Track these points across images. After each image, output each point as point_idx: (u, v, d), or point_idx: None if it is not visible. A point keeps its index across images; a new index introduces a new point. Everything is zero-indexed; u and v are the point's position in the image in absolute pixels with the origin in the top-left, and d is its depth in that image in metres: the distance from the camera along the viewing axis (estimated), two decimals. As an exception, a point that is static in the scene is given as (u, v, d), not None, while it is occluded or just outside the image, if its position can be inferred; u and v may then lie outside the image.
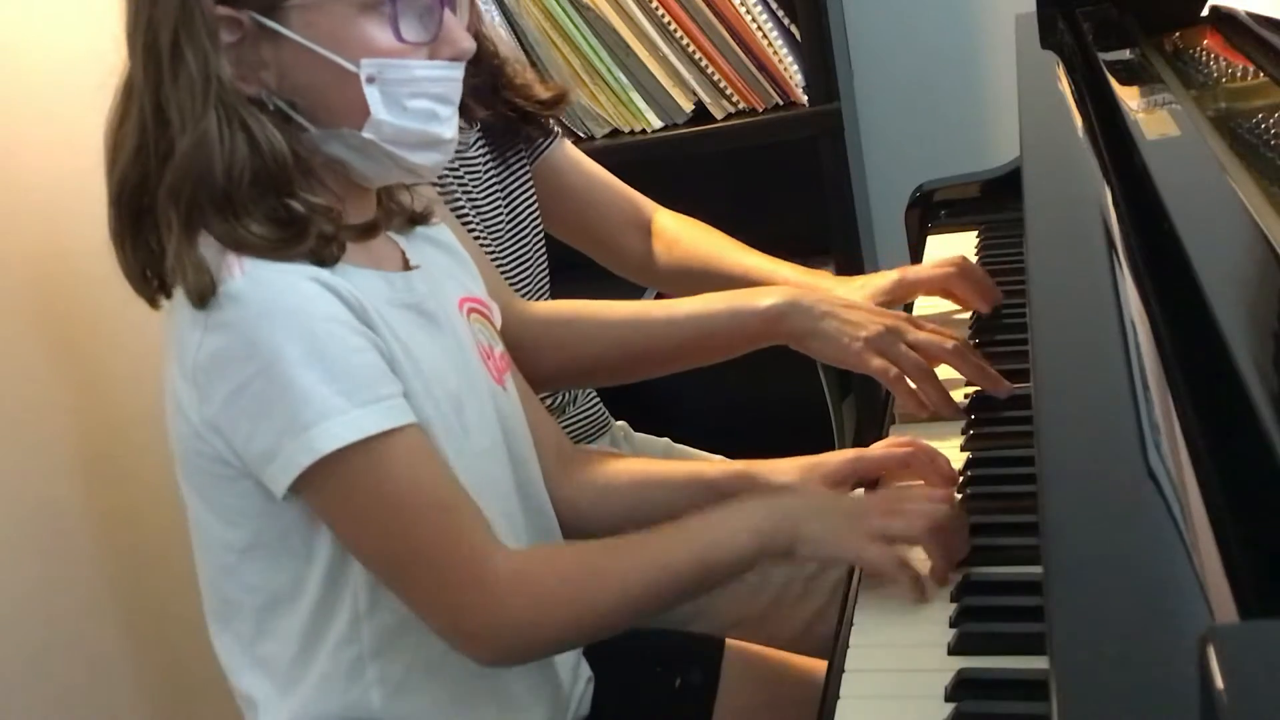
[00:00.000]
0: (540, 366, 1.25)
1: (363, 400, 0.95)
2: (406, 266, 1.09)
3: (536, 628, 1.00)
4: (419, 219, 1.14)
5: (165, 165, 0.97)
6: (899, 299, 1.41)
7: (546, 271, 1.47)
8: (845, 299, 1.29)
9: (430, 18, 1.01)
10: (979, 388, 1.24)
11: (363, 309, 0.98)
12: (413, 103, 1.00)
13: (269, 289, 0.94)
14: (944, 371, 1.25)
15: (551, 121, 1.49)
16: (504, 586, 0.97)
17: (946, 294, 1.44)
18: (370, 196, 1.08)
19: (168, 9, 0.96)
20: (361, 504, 0.97)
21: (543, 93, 1.45)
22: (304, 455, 0.93)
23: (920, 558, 0.99)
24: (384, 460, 0.95)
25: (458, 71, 1.04)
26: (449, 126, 1.04)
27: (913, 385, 1.23)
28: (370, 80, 0.99)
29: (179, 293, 0.97)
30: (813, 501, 1.02)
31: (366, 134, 1.00)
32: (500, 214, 1.40)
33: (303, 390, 0.93)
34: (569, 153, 1.52)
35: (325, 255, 0.98)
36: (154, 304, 1.03)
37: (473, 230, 1.34)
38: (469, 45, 1.03)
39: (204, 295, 0.95)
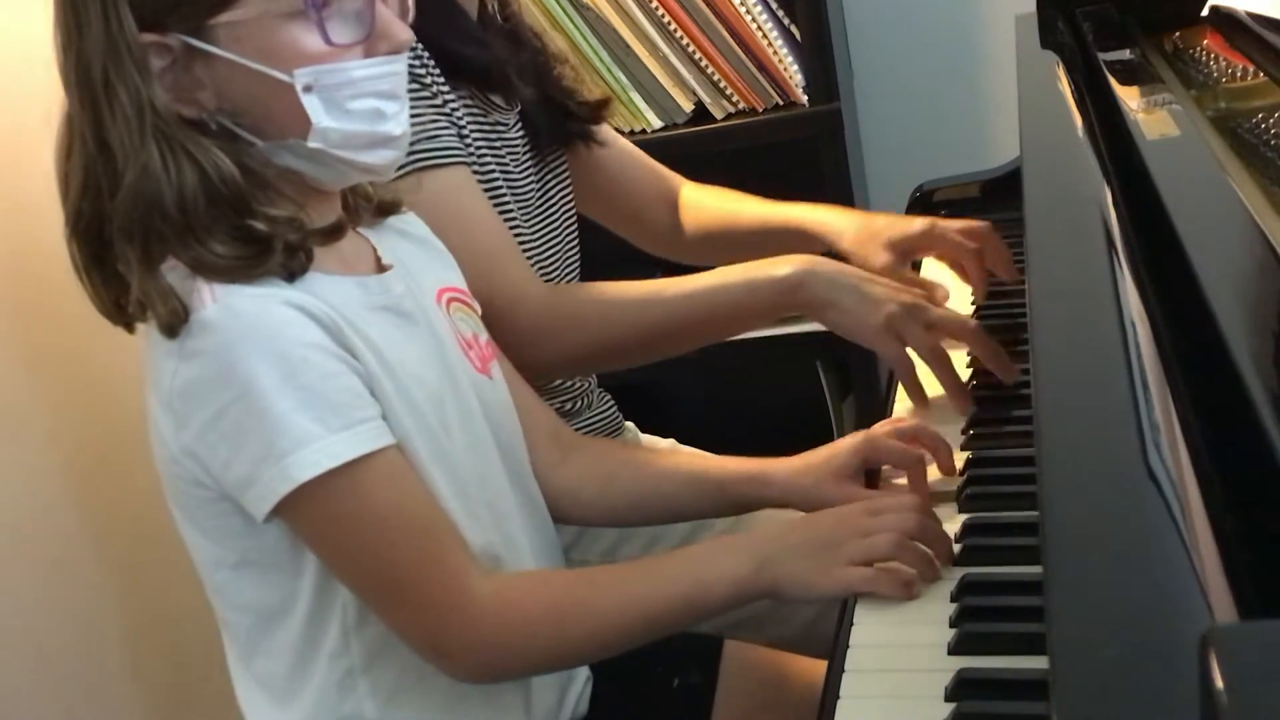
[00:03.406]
0: (558, 349, 1.25)
1: (339, 426, 0.94)
2: (380, 266, 1.08)
3: (513, 652, 1.00)
4: (388, 208, 1.13)
5: (115, 199, 0.96)
6: (920, 249, 1.39)
7: (577, 259, 1.46)
8: (867, 273, 1.27)
9: (362, 14, 0.98)
10: (985, 377, 1.24)
11: (338, 328, 0.97)
12: (355, 104, 0.98)
13: (242, 316, 0.94)
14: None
15: (593, 128, 1.48)
16: (482, 610, 0.98)
17: (956, 265, 1.42)
18: (334, 197, 1.06)
19: (94, 43, 0.95)
20: (340, 528, 0.97)
21: (587, 95, 1.44)
22: (281, 483, 0.93)
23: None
24: (361, 485, 0.95)
25: (398, 65, 1.01)
26: (397, 123, 1.02)
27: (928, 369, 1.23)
28: (308, 89, 0.97)
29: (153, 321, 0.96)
30: (793, 538, 1.01)
31: (313, 143, 0.98)
32: (532, 194, 1.40)
33: (278, 418, 0.92)
34: (608, 132, 1.52)
35: (295, 266, 0.97)
36: (130, 329, 1.02)
37: (507, 208, 1.33)
38: (406, 37, 1.01)
39: (174, 327, 0.94)
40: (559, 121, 1.43)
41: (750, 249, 1.43)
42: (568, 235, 1.44)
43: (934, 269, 1.52)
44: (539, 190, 1.41)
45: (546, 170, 1.43)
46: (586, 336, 1.28)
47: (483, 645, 0.99)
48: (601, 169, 1.51)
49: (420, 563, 0.97)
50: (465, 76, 1.30)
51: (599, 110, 1.46)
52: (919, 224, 1.39)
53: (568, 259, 1.43)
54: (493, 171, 1.32)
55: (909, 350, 1.25)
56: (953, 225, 1.41)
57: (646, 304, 1.29)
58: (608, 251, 1.60)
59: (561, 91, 1.42)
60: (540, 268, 1.37)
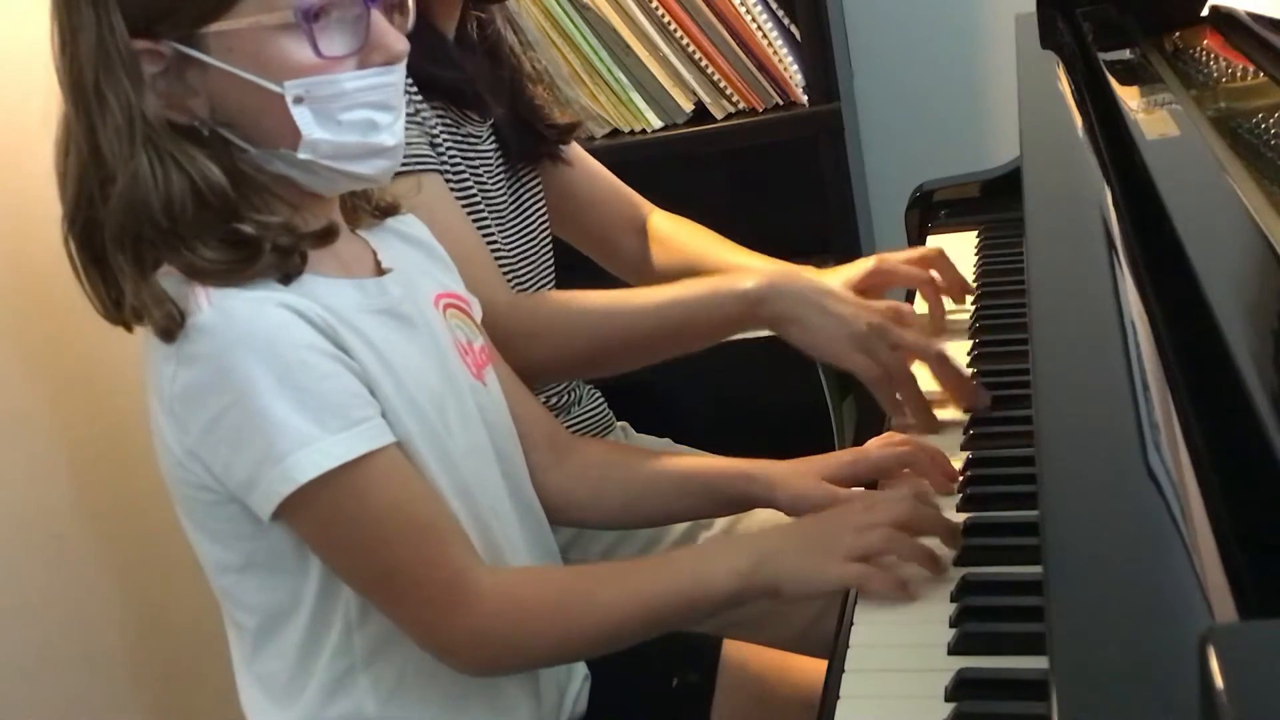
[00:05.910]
0: (525, 358, 1.25)
1: (337, 426, 0.94)
2: (379, 269, 1.08)
3: (515, 646, 1.01)
4: (388, 210, 1.13)
5: (107, 206, 0.96)
6: (875, 287, 1.40)
7: (552, 270, 1.47)
8: (832, 288, 1.28)
9: (357, 25, 0.97)
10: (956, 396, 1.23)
11: (334, 330, 0.97)
12: (347, 115, 0.98)
13: (238, 319, 0.94)
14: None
15: (561, 149, 1.48)
16: (485, 604, 0.98)
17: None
18: (330, 201, 1.06)
19: (87, 48, 0.95)
20: (342, 527, 0.97)
21: (556, 119, 1.45)
22: (282, 484, 0.94)
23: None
24: (362, 484, 0.95)
25: (393, 76, 1.00)
26: (391, 134, 1.01)
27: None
28: (298, 101, 0.96)
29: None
30: (790, 535, 1.03)
31: (302, 155, 0.98)
32: (506, 204, 1.40)
33: (277, 420, 0.93)
34: (575, 151, 1.52)
35: (288, 268, 0.97)
36: (129, 328, 1.02)
37: (482, 218, 1.33)
38: (402, 48, 1.00)
39: (170, 331, 0.94)
40: (528, 141, 1.43)
41: None
42: (542, 245, 1.44)
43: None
44: (512, 200, 1.41)
45: (519, 182, 1.43)
46: (549, 348, 1.28)
47: (486, 639, 0.99)
48: (569, 190, 1.51)
49: (422, 559, 0.98)
50: (438, 92, 1.31)
51: (566, 134, 1.47)
52: (868, 263, 1.41)
53: (542, 269, 1.44)
54: (466, 180, 1.33)
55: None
56: (900, 256, 1.43)
57: (608, 316, 1.29)
58: (584, 259, 1.60)
59: (532, 112, 1.43)
60: (515, 276, 1.37)
